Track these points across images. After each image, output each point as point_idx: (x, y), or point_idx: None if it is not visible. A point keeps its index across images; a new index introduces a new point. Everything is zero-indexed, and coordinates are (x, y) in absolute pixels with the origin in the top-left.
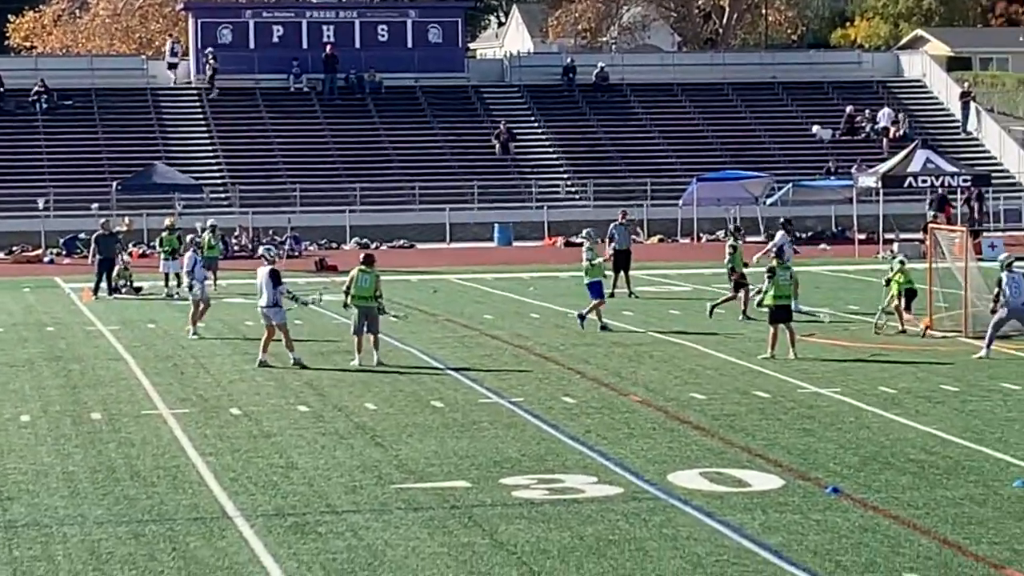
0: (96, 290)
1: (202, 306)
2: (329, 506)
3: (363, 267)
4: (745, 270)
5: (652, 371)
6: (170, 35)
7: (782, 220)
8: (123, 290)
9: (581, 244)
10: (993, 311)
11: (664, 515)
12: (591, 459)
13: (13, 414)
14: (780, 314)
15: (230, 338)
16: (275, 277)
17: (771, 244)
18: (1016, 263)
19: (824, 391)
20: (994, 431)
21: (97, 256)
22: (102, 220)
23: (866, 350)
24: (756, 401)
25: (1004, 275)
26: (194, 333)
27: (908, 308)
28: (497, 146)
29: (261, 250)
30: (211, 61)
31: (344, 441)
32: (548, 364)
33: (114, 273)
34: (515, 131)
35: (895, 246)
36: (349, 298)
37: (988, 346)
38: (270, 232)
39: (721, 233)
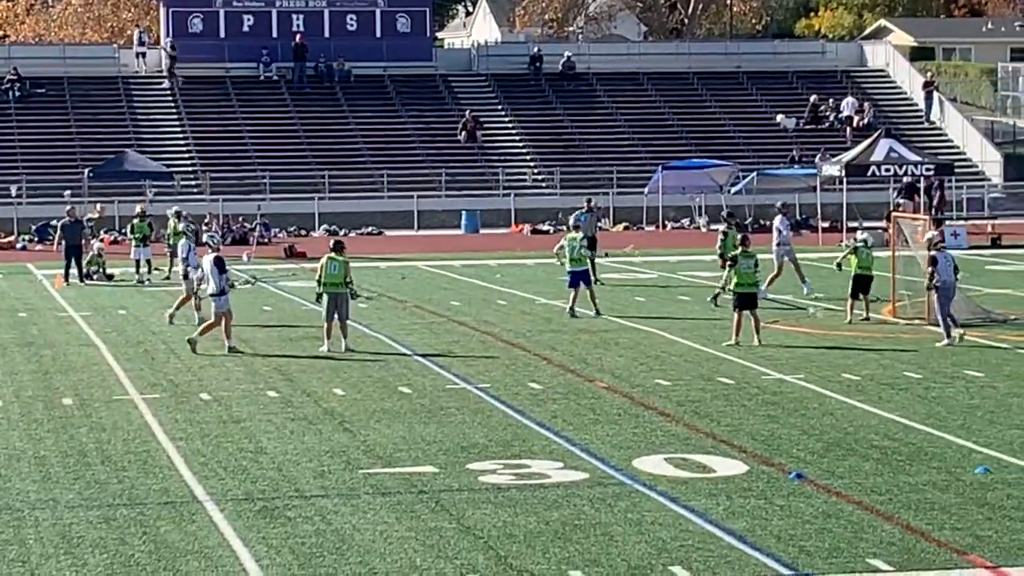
0: (67, 277)
1: (189, 295)
2: (298, 491)
3: (332, 254)
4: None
5: (618, 358)
6: (138, 25)
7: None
8: (95, 276)
9: (549, 232)
10: (929, 289)
11: (629, 500)
12: (557, 445)
13: None
14: (745, 301)
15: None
16: (220, 264)
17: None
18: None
19: (788, 378)
20: (956, 418)
21: (63, 243)
22: (67, 207)
23: (831, 337)
24: (721, 387)
25: (936, 254)
26: (176, 318)
27: (856, 295)
28: (463, 135)
29: (205, 237)
30: (169, 50)
31: (313, 426)
32: (515, 351)
33: (84, 259)
34: (482, 120)
35: (858, 233)
36: (321, 287)
37: (948, 334)
38: (239, 218)
39: (686, 221)
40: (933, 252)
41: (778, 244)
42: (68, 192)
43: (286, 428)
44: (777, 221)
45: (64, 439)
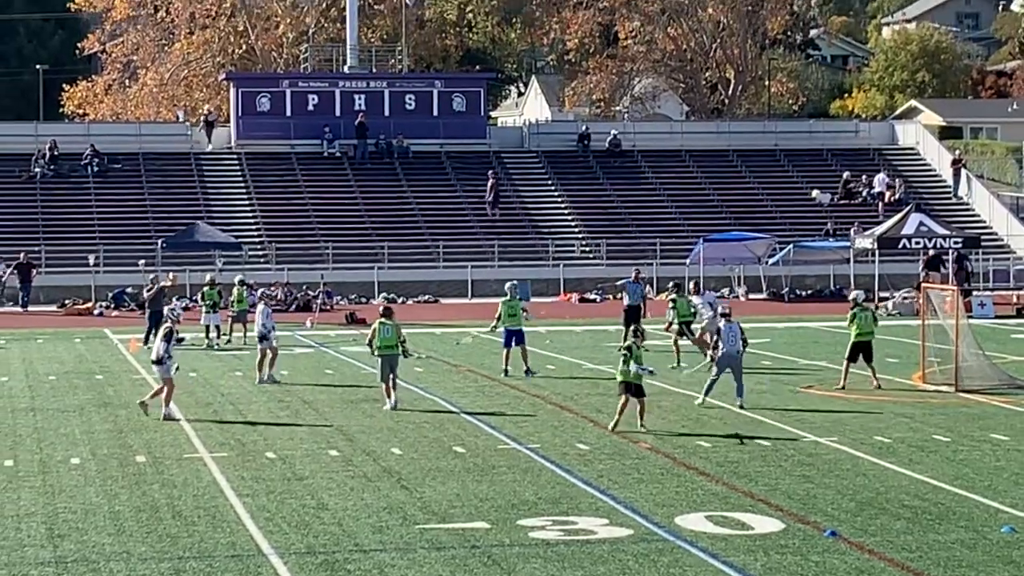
0: (146, 340)
1: (270, 354)
2: (357, 545)
3: (383, 319)
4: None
5: (660, 420)
6: (207, 105)
7: (671, 284)
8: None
9: (596, 300)
10: (712, 358)
11: (672, 556)
12: (603, 502)
13: (64, 456)
14: (632, 387)
15: (266, 385)
16: (168, 337)
17: (705, 317)
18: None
19: (822, 440)
20: (983, 479)
21: (148, 308)
22: (152, 275)
23: (863, 402)
24: (758, 449)
25: (722, 324)
26: (263, 380)
27: (854, 359)
28: (490, 198)
29: (166, 311)
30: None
31: (372, 484)
32: (563, 413)
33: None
34: (533, 194)
35: (851, 294)
36: (375, 349)
37: (705, 394)
38: (303, 286)
39: (726, 291)
40: (721, 322)
41: (712, 317)
42: (142, 261)
43: (346, 485)
44: (700, 299)
45: (137, 495)
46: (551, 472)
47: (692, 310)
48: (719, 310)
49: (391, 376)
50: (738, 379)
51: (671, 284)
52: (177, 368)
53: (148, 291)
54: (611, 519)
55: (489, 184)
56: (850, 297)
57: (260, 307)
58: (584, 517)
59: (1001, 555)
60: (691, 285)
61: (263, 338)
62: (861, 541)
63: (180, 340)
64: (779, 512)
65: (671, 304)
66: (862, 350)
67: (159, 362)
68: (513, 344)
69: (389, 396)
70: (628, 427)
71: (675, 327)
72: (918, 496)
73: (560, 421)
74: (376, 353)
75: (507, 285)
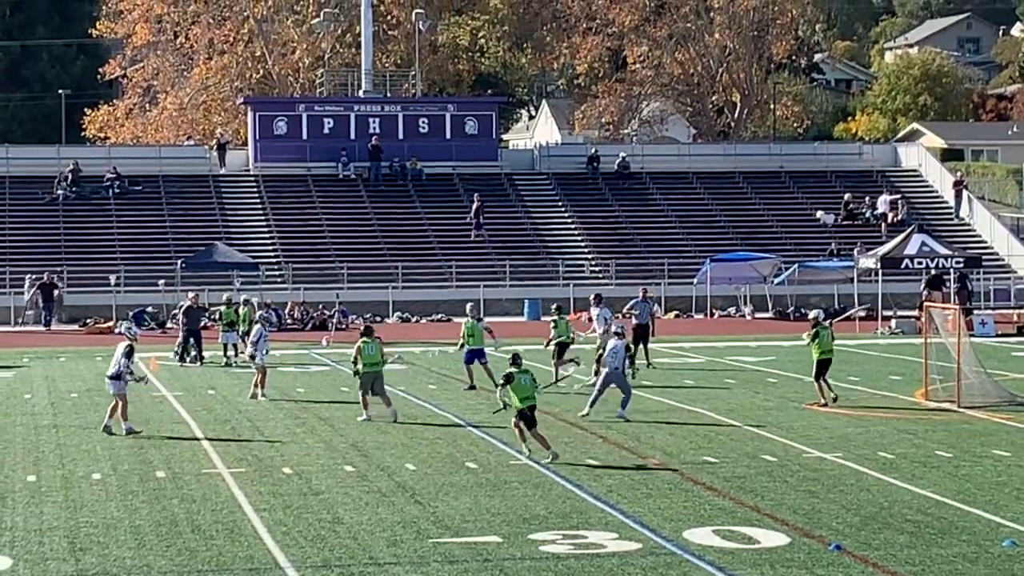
0: (183, 357)
1: (261, 374)
2: (372, 559)
3: (366, 339)
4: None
5: (668, 436)
6: (218, 129)
7: (555, 307)
8: (187, 359)
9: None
10: (596, 372)
11: (680, 569)
12: (612, 516)
13: (86, 472)
14: (527, 415)
15: (283, 402)
16: (128, 354)
17: (599, 330)
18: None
19: (827, 456)
20: (985, 494)
21: (185, 327)
22: (191, 294)
23: (867, 419)
24: (764, 464)
25: (611, 342)
26: (258, 396)
27: (821, 376)
28: (473, 224)
29: (123, 327)
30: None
31: (386, 499)
32: (573, 429)
33: (176, 343)
34: (544, 215)
35: (812, 313)
36: (360, 365)
37: (591, 404)
38: (319, 306)
39: (732, 310)
40: (612, 340)
41: (604, 332)
42: (162, 281)
43: (362, 500)
44: (596, 311)
45: (157, 509)
46: (561, 487)
47: (571, 336)
48: (612, 328)
49: (372, 391)
50: (625, 392)
51: (554, 306)
52: (146, 381)
53: (184, 306)
54: (620, 533)
55: (474, 207)
56: (810, 316)
57: (256, 328)
58: (594, 531)
59: (1003, 569)
60: (592, 297)
61: (252, 357)
62: (865, 555)
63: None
64: (785, 526)
65: (552, 324)
66: (825, 367)
67: (116, 377)
68: (476, 362)
69: (367, 408)
70: (638, 442)
71: (552, 347)
72: (921, 511)
73: (570, 437)
74: (362, 371)
75: (468, 307)
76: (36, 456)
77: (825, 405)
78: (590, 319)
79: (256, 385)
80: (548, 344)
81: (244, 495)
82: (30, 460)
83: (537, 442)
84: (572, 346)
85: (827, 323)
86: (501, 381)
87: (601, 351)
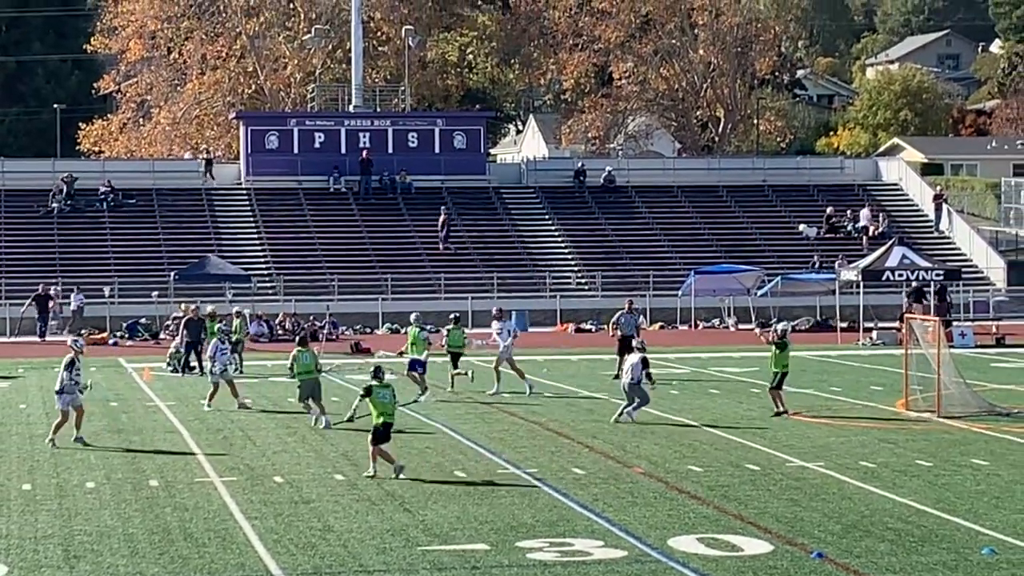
0: (184, 367)
1: (216, 387)
2: (362, 566)
3: (301, 348)
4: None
5: (654, 446)
6: (207, 143)
7: (412, 317)
8: (185, 371)
9: (591, 330)
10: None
11: None
12: (598, 525)
13: (80, 481)
14: (381, 433)
15: (274, 412)
16: (69, 365)
17: (501, 344)
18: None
19: (810, 465)
20: (965, 503)
21: (186, 339)
22: (192, 306)
23: (848, 428)
24: (748, 473)
25: (632, 357)
26: (244, 403)
27: (779, 387)
28: (441, 237)
29: (69, 340)
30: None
31: (376, 507)
32: (560, 439)
33: (168, 353)
34: (531, 228)
35: (779, 325)
36: (296, 375)
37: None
38: (310, 317)
39: (716, 321)
40: (634, 354)
41: (506, 346)
42: (155, 293)
43: (351, 508)
44: (499, 325)
45: (150, 518)
46: (548, 496)
47: (464, 342)
48: (635, 344)
49: (313, 397)
50: (642, 400)
51: (451, 315)
52: (91, 387)
53: (185, 318)
54: (606, 541)
55: (441, 219)
56: (779, 328)
57: (212, 342)
58: (580, 539)
59: None
60: (495, 310)
61: (211, 371)
62: (847, 562)
63: (192, 369)
64: (768, 534)
65: (446, 333)
66: (783, 379)
67: (60, 392)
68: (418, 371)
69: (310, 411)
70: (624, 452)
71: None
72: (901, 519)
73: (557, 447)
74: (299, 379)
75: (412, 317)
76: (31, 465)
77: (778, 415)
78: (495, 333)
79: (229, 396)
80: (401, 354)
81: (236, 503)
82: (25, 469)
83: (383, 459)
84: (464, 357)
85: (788, 340)
86: (361, 392)
87: (498, 363)
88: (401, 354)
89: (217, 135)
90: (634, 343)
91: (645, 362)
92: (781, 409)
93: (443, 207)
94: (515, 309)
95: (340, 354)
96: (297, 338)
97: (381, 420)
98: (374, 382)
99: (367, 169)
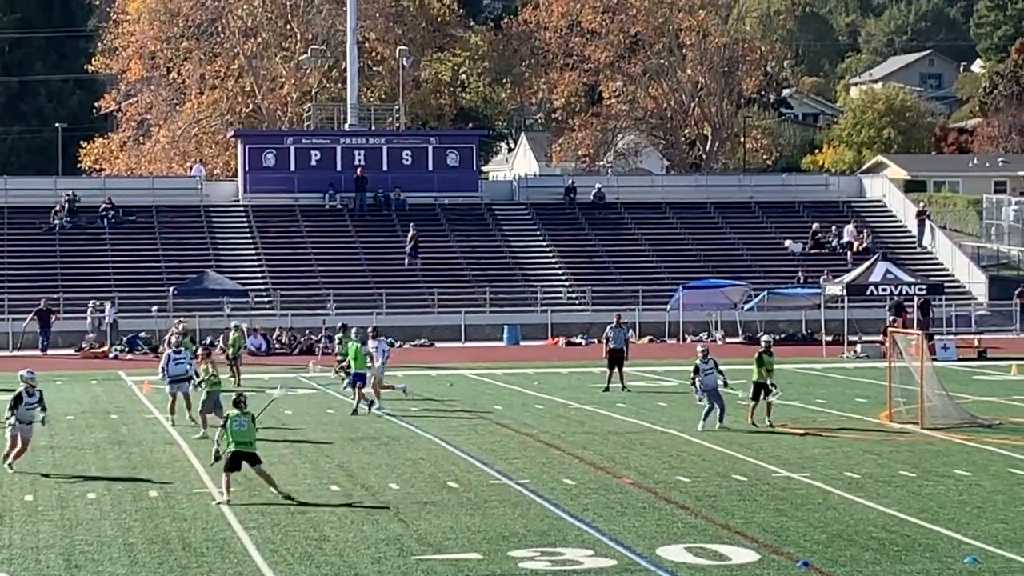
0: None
1: (170, 399)
2: (357, 575)
3: (209, 361)
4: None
5: (643, 457)
6: (202, 161)
7: (339, 325)
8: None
9: (582, 344)
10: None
11: None
12: (589, 534)
13: (81, 491)
14: (237, 460)
15: (272, 427)
16: (16, 403)
17: (378, 362)
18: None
19: (795, 475)
20: (947, 512)
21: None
22: (178, 323)
23: (833, 440)
24: (735, 484)
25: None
26: (172, 422)
27: (757, 399)
28: (408, 252)
29: (24, 373)
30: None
31: (371, 517)
32: (551, 450)
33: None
34: (523, 243)
35: (764, 337)
36: (207, 385)
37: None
38: (306, 331)
39: (704, 334)
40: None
41: (381, 364)
42: (155, 308)
43: (347, 518)
44: (374, 344)
45: (150, 527)
46: (540, 506)
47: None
48: (698, 356)
49: (216, 406)
50: (719, 405)
51: (339, 325)
52: (45, 422)
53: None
54: (596, 550)
55: (409, 235)
56: (763, 340)
57: (166, 353)
58: (571, 548)
59: None
60: (370, 330)
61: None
62: (832, 571)
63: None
64: (755, 544)
65: (338, 343)
66: (761, 389)
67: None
68: (358, 385)
69: (205, 425)
70: (613, 463)
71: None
72: (885, 528)
73: (548, 458)
74: (205, 389)
75: (353, 331)
76: (33, 476)
77: (755, 424)
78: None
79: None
80: (343, 368)
81: (233, 513)
82: (27, 480)
83: (266, 483)
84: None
85: (771, 351)
86: (221, 424)
87: (377, 383)
88: (343, 368)
89: (215, 153)
90: (699, 350)
91: (697, 370)
92: (752, 420)
93: (411, 223)
94: (506, 323)
95: (336, 368)
96: (201, 351)
97: (233, 449)
98: (233, 411)
99: (362, 186)
